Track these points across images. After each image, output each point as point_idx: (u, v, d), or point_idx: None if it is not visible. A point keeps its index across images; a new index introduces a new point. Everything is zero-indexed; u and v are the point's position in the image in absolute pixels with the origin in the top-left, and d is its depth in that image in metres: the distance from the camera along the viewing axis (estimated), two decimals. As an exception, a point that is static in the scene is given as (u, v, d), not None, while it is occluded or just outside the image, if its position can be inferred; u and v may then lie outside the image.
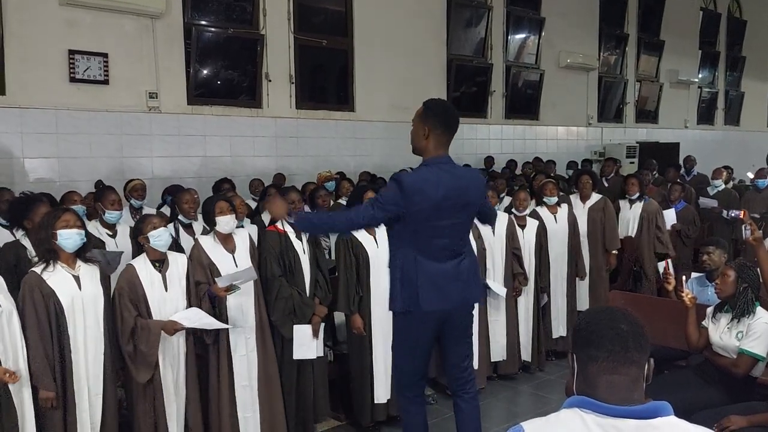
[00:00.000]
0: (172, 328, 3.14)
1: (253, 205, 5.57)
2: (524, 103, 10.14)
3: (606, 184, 7.63)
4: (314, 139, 7.55)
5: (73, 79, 5.79)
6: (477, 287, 3.14)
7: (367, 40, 7.94)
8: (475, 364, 4.58)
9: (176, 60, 6.44)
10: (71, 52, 5.77)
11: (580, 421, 1.35)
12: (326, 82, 8.06)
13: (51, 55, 5.70)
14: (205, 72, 6.75)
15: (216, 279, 3.33)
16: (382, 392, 3.93)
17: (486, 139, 9.61)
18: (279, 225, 3.77)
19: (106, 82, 5.96)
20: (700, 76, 13.71)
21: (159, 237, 3.20)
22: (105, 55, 5.94)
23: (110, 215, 4.16)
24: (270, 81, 7.09)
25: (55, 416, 2.91)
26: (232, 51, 6.84)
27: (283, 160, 7.23)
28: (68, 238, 2.93)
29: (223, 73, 6.89)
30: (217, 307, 3.42)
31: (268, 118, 7.15)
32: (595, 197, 5.74)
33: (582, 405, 1.37)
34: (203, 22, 6.67)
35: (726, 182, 7.72)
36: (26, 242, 3.47)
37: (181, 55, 6.48)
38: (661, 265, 5.77)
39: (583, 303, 5.60)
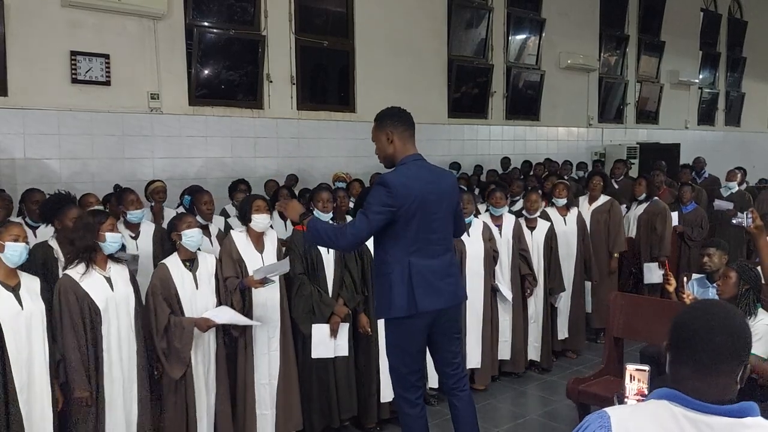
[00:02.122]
0: (204, 324, 3.24)
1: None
2: (525, 104, 10.14)
3: (616, 186, 7.61)
4: (315, 140, 7.56)
5: (75, 80, 5.80)
6: (462, 283, 3.25)
7: (368, 41, 7.95)
8: (479, 364, 4.63)
9: (178, 61, 6.45)
10: (73, 53, 5.78)
11: (669, 413, 1.31)
12: (327, 83, 8.06)
13: (53, 57, 5.71)
14: (206, 73, 6.75)
15: (254, 271, 3.41)
16: (387, 391, 3.94)
17: (486, 139, 9.61)
18: None
19: (107, 83, 5.97)
20: (700, 76, 13.71)
21: (192, 237, 3.32)
22: (107, 56, 5.95)
23: (132, 215, 4.20)
24: (271, 82, 7.09)
25: (88, 416, 2.98)
26: (233, 52, 6.85)
27: (284, 161, 7.24)
28: (114, 241, 3.07)
29: (225, 73, 6.89)
30: (246, 301, 3.49)
31: (269, 119, 7.16)
32: (603, 199, 5.73)
33: (672, 398, 1.33)
34: (205, 23, 6.68)
35: (740, 184, 7.68)
36: (53, 243, 3.53)
37: (183, 56, 6.49)
38: (659, 275, 5.79)
39: (587, 305, 5.61)
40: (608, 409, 1.38)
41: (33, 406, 2.85)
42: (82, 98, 5.88)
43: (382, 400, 3.99)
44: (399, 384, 3.09)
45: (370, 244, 3.85)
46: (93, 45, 5.89)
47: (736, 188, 7.31)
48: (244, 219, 3.67)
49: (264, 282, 3.40)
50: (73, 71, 5.78)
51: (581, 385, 3.79)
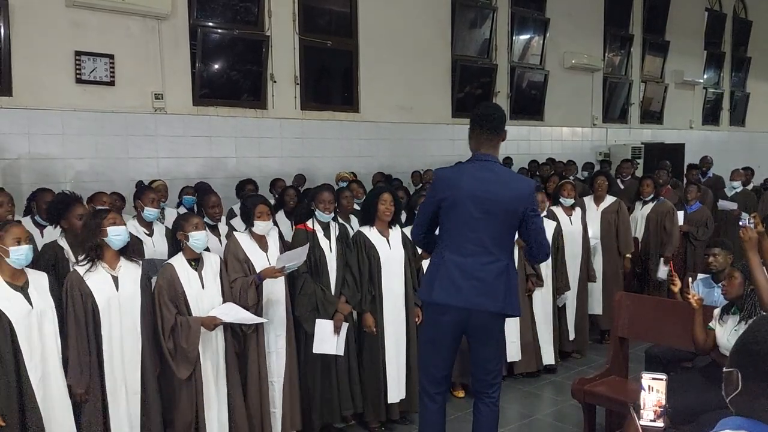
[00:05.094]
0: (211, 323, 3.25)
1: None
2: (529, 104, 10.12)
3: (621, 186, 7.59)
4: (319, 140, 7.56)
5: (79, 80, 5.81)
6: (504, 297, 2.93)
7: (372, 41, 7.94)
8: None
9: (182, 61, 6.46)
10: (77, 54, 5.79)
11: None
12: (331, 83, 8.06)
13: (57, 57, 5.71)
14: (210, 73, 6.75)
15: (277, 259, 3.49)
16: (394, 391, 3.95)
17: (490, 139, 9.57)
18: (308, 223, 3.81)
19: (112, 83, 5.98)
20: (705, 76, 13.64)
21: (198, 239, 3.33)
22: (111, 57, 5.96)
23: (149, 212, 4.22)
24: (275, 82, 7.09)
25: (90, 412, 3.00)
26: (237, 52, 6.85)
27: (288, 161, 7.24)
28: (118, 234, 3.07)
29: (229, 73, 6.89)
30: (260, 297, 3.50)
31: (273, 119, 7.16)
32: (610, 199, 5.72)
33: (752, 430, 1.22)
34: (209, 23, 6.68)
35: (746, 184, 7.64)
36: (63, 243, 3.54)
37: (187, 56, 6.49)
38: (665, 271, 5.78)
39: (597, 306, 5.60)
40: None
41: (51, 403, 2.88)
42: (86, 98, 5.89)
43: (389, 401, 3.97)
44: (423, 373, 3.19)
45: (380, 244, 3.91)
46: (97, 45, 5.90)
47: (741, 188, 7.27)
48: (248, 221, 3.68)
49: (284, 270, 3.45)
50: (78, 71, 5.79)
51: (586, 386, 3.77)
